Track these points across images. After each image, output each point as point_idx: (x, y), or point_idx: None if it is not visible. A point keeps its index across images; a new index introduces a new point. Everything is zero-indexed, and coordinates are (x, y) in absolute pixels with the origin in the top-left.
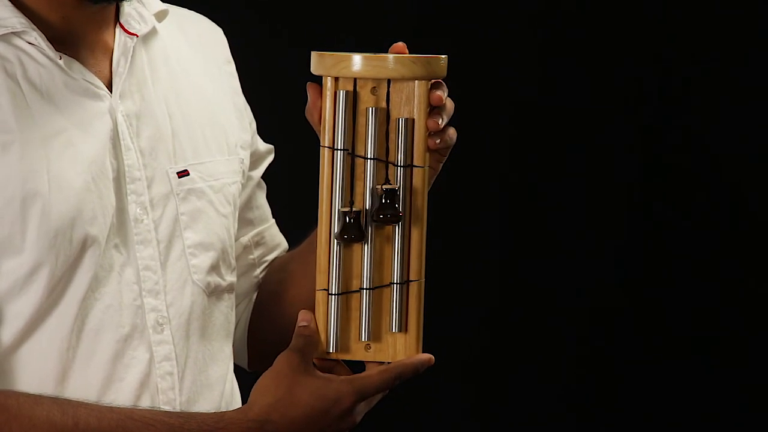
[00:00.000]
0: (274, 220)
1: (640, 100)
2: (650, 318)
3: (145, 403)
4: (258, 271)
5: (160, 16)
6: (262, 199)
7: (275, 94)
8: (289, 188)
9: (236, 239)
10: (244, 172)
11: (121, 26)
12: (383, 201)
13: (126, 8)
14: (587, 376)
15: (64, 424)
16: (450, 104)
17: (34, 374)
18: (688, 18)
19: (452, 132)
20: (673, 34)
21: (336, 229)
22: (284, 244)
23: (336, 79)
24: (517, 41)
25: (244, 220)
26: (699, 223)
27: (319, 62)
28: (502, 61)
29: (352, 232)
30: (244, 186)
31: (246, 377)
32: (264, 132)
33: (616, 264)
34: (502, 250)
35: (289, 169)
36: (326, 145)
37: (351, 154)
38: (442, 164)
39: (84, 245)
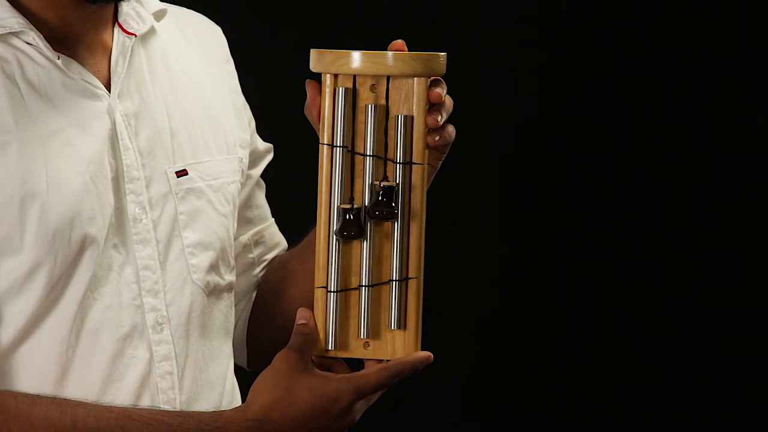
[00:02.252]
0: (273, 219)
1: (641, 99)
2: (650, 318)
3: (145, 402)
4: (257, 269)
5: (159, 15)
6: (261, 198)
7: (274, 93)
8: (289, 187)
9: (236, 238)
10: (243, 171)
11: (120, 26)
12: (380, 198)
13: (124, 8)
14: (587, 376)
15: (63, 424)
16: (449, 101)
17: (34, 374)
18: (689, 18)
19: (451, 129)
20: (673, 33)
21: (335, 225)
22: (283, 243)
23: (335, 76)
24: (517, 40)
25: (244, 219)
26: (699, 223)
27: (318, 59)
28: (502, 61)
29: (351, 229)
30: (243, 185)
31: (246, 376)
32: (263, 130)
33: (616, 264)
34: (502, 248)
35: (289, 167)
36: (325, 142)
37: (350, 151)
38: (441, 161)
39: (83, 245)
